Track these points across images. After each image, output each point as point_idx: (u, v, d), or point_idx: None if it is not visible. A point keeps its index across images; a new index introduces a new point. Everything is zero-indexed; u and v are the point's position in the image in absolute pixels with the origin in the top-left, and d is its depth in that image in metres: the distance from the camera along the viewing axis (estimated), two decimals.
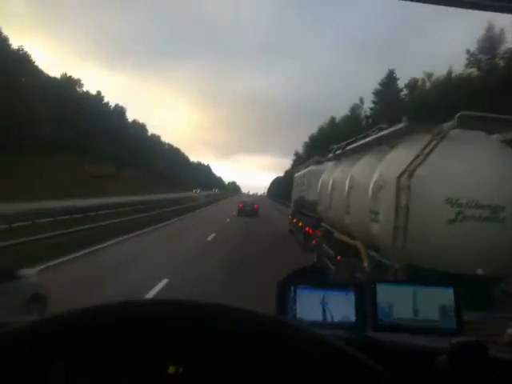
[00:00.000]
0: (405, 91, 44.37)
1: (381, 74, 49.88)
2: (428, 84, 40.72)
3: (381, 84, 47.21)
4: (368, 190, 5.97)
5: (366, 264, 6.05)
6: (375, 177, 5.86)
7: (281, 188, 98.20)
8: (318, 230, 12.27)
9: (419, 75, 43.34)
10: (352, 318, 1.16)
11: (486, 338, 1.14)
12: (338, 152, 9.92)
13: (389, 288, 1.18)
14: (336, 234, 8.80)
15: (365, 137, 7.86)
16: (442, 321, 1.14)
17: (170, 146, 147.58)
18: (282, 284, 1.19)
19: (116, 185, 54.08)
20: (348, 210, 7.43)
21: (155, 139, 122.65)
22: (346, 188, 7.56)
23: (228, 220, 26.23)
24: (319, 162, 15.25)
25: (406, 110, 24.03)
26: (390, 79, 46.87)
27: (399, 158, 5.35)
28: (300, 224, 16.29)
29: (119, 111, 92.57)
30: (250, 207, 32.81)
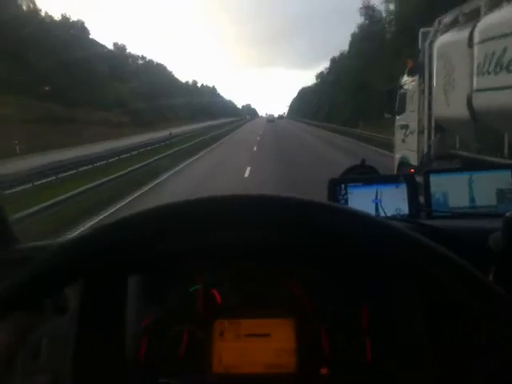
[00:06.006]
0: None
1: None
2: None
3: None
4: None
5: None
6: None
7: (309, 104, 73.27)
8: None
9: None
10: (405, 210, 1.15)
11: None
12: None
13: (443, 177, 1.16)
14: None
15: None
16: (500, 205, 1.12)
17: (148, 62, 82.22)
18: (332, 183, 1.18)
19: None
20: None
21: (117, 50, 67.82)
22: None
23: None
24: None
25: None
26: None
27: None
28: None
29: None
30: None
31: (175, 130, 36.75)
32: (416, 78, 6.63)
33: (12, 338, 0.40)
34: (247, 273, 0.95)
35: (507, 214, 0.83)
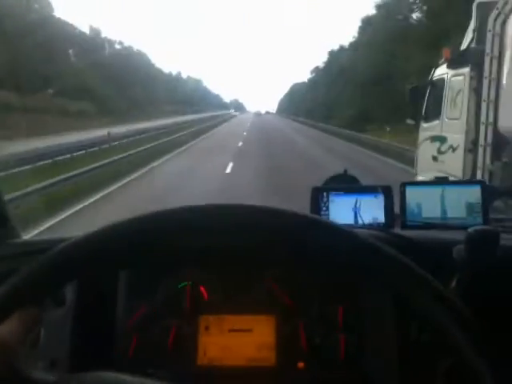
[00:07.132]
0: None
1: None
2: None
3: None
4: None
5: None
6: None
7: (301, 101, 66.90)
8: None
9: None
10: (382, 219, 1.23)
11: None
12: None
13: (418, 189, 1.24)
14: None
15: None
16: (469, 218, 1.20)
17: (126, 48, 76.02)
18: (316, 190, 1.25)
19: None
20: None
21: (92, 32, 63.14)
22: None
23: None
24: None
25: None
26: None
27: None
28: None
29: None
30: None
31: (144, 125, 29.06)
32: (463, 70, 4.75)
33: (22, 329, 0.44)
34: (232, 272, 1.02)
35: (469, 230, 0.92)
